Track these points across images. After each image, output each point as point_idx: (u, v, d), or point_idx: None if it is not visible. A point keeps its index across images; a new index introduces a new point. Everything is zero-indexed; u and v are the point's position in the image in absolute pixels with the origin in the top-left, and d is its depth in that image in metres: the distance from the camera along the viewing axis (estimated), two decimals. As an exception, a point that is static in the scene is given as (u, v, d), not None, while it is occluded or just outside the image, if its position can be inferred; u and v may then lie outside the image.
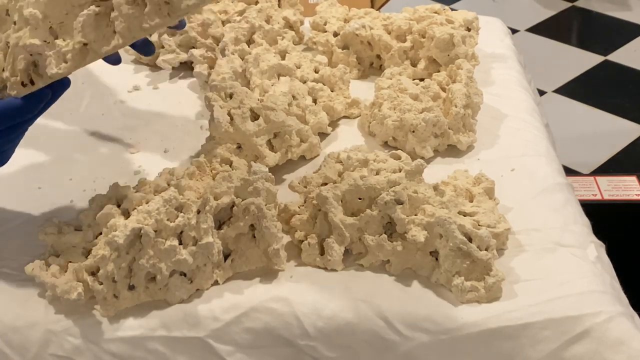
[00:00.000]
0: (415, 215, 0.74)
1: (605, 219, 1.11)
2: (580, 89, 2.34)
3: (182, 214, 0.70)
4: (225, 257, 0.73)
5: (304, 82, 0.96)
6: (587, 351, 0.67)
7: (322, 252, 0.74)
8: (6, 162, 0.72)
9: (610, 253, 0.79)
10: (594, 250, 0.76)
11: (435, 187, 0.77)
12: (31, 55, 0.66)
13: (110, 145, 0.94)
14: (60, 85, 0.69)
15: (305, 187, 0.80)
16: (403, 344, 0.68)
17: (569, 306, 0.68)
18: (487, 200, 0.78)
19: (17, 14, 0.67)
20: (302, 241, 0.75)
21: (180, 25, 0.78)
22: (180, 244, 0.70)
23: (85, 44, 0.65)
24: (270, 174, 0.75)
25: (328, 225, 0.75)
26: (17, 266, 0.74)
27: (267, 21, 1.07)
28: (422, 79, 0.99)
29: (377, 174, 0.78)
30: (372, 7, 1.62)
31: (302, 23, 1.14)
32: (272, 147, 0.87)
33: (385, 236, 0.74)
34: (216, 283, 0.73)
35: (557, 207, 0.81)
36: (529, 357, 0.68)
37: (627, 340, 0.67)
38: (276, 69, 0.96)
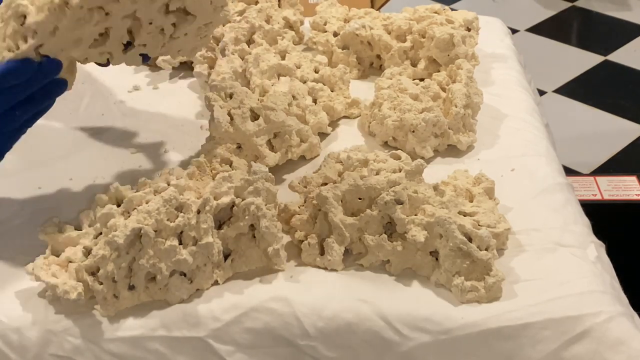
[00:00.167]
0: (415, 215, 0.74)
1: (605, 219, 1.11)
2: (580, 89, 2.34)
3: (182, 214, 0.70)
4: (225, 257, 0.73)
5: (304, 82, 0.96)
6: (587, 351, 0.67)
7: (322, 252, 0.74)
8: (1, 158, 0.71)
9: (610, 253, 0.79)
10: (594, 250, 0.76)
11: (435, 187, 0.77)
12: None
13: (110, 145, 0.94)
14: (56, 86, 0.70)
15: (305, 187, 0.80)
16: (403, 344, 0.68)
17: (569, 306, 0.68)
18: (487, 200, 0.78)
19: None
20: (302, 241, 0.75)
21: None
22: (180, 244, 0.70)
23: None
24: (270, 174, 0.75)
25: (328, 225, 0.75)
26: (17, 266, 0.74)
27: (267, 21, 1.07)
28: (422, 79, 0.99)
29: (377, 174, 0.78)
30: (372, 7, 1.62)
31: (302, 23, 1.14)
32: (272, 147, 0.87)
33: (385, 236, 0.74)
34: (216, 283, 0.73)
35: (557, 207, 0.81)
36: (529, 357, 0.68)
37: (627, 340, 0.67)
38: (276, 69, 0.96)
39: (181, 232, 0.71)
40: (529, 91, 1.06)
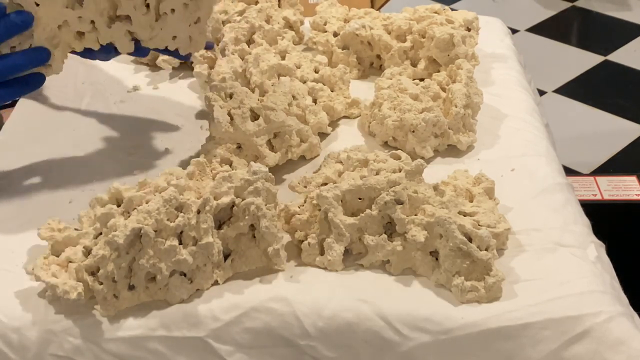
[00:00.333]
0: (415, 215, 0.74)
1: (605, 219, 1.11)
2: (580, 89, 2.34)
3: (182, 214, 0.70)
4: (225, 257, 0.73)
5: (304, 82, 0.96)
6: (587, 351, 0.67)
7: (322, 252, 0.74)
8: None
9: (610, 253, 0.79)
10: (594, 250, 0.76)
11: (435, 187, 0.77)
12: None
13: (110, 146, 0.94)
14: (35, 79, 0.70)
15: (305, 187, 0.80)
16: (403, 344, 0.68)
17: (569, 306, 0.68)
18: (487, 200, 0.78)
19: None
20: (302, 241, 0.75)
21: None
22: (180, 244, 0.70)
23: None
24: (270, 174, 0.75)
25: (328, 225, 0.75)
26: (17, 266, 0.74)
27: (267, 21, 1.07)
28: (422, 79, 0.99)
29: (377, 174, 0.78)
30: (372, 7, 1.63)
31: (302, 23, 1.14)
32: (272, 147, 0.87)
33: (385, 236, 0.74)
34: (216, 283, 0.72)
35: (557, 207, 0.81)
36: (529, 357, 0.68)
37: (627, 340, 0.67)
38: (276, 69, 0.96)
39: (181, 232, 0.71)
40: (529, 91, 1.06)
